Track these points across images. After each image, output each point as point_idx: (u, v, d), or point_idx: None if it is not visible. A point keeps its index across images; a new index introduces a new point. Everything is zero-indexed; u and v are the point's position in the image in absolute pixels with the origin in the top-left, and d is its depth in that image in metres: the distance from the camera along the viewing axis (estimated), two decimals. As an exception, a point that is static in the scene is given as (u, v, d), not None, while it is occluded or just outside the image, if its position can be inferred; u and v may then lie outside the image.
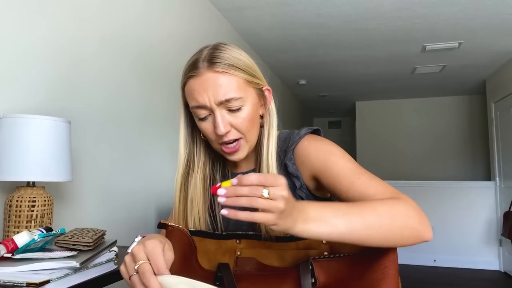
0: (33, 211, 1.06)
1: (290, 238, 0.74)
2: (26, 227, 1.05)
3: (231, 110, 0.77)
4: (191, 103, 0.78)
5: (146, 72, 2.02)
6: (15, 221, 1.05)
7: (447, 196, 4.79)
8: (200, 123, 0.80)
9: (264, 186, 0.52)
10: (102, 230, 0.98)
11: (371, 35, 3.43)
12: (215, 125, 0.76)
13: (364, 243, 0.62)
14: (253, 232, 0.76)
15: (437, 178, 5.63)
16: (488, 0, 2.75)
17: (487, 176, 5.40)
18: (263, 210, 0.52)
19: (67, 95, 1.47)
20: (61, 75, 1.44)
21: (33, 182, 1.11)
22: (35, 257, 0.82)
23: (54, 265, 0.79)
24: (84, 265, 0.83)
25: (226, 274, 0.70)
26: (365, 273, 0.64)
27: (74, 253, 0.85)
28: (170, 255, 0.62)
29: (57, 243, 0.88)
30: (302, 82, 5.11)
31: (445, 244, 4.72)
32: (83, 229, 0.97)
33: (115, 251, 0.99)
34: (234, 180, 0.53)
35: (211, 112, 0.77)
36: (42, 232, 0.93)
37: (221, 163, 0.92)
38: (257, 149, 0.85)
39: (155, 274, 0.57)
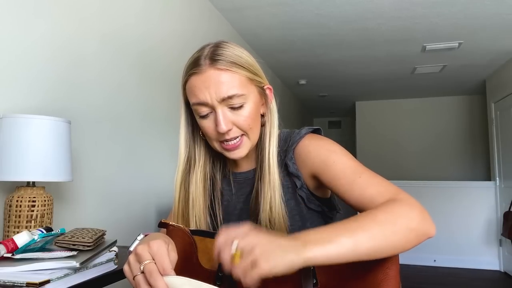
0: (33, 211, 1.06)
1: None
2: (26, 227, 1.05)
3: (233, 108, 0.76)
4: (192, 100, 0.77)
5: (146, 72, 2.02)
6: (15, 221, 1.05)
7: (447, 196, 4.79)
8: (201, 121, 0.79)
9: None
10: (102, 230, 0.98)
11: (371, 35, 3.43)
12: (216, 123, 0.75)
13: (372, 256, 0.59)
14: None
15: (437, 178, 5.63)
16: (488, 0, 2.75)
17: (487, 176, 5.40)
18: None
19: (67, 95, 1.47)
20: (61, 75, 1.44)
21: (33, 182, 1.11)
22: (35, 257, 0.82)
23: (54, 265, 0.79)
24: (84, 265, 0.83)
25: (226, 274, 0.69)
26: (367, 275, 0.64)
27: (74, 253, 0.85)
28: (174, 255, 0.62)
29: (57, 243, 0.88)
30: (302, 82, 5.11)
31: (445, 244, 4.72)
32: (83, 229, 0.97)
33: (115, 251, 0.99)
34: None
35: (213, 109, 0.76)
36: (42, 232, 0.93)
37: (221, 162, 0.91)
38: (258, 149, 0.84)
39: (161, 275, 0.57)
